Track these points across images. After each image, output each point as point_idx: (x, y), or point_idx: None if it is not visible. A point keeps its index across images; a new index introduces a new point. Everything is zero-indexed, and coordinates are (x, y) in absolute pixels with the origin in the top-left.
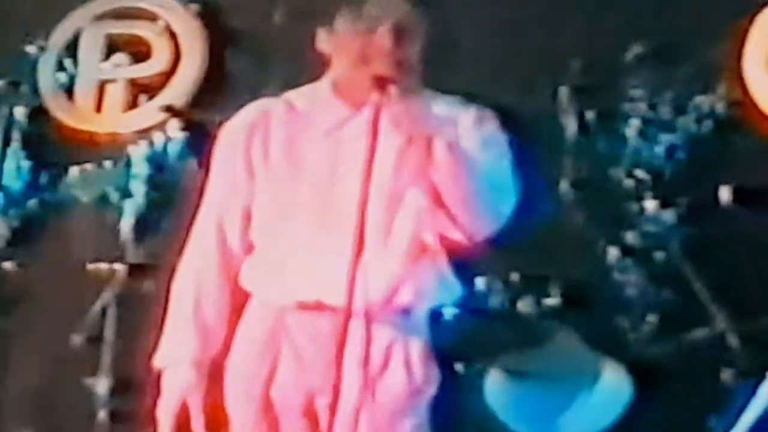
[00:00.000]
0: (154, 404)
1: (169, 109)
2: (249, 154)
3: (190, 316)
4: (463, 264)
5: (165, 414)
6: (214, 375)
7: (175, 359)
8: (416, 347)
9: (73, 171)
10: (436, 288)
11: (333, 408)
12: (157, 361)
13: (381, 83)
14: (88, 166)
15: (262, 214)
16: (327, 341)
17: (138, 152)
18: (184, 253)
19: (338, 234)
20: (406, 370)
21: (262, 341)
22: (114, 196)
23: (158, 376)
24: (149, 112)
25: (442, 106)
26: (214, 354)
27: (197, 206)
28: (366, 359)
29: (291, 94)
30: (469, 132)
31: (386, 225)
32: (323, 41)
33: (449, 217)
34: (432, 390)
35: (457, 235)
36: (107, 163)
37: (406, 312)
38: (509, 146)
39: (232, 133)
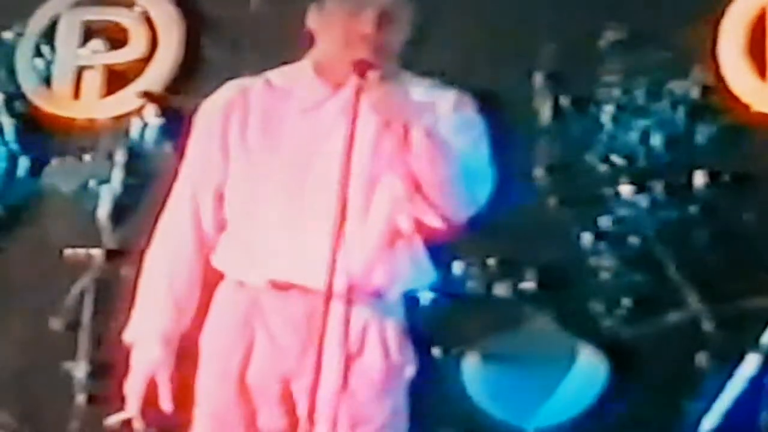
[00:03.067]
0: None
1: (146, 95)
2: (225, 133)
3: (161, 293)
4: (440, 248)
5: (132, 389)
6: (184, 352)
7: (144, 334)
8: (391, 328)
9: (54, 163)
10: (410, 272)
11: (313, 391)
12: (127, 336)
13: (361, 67)
14: (68, 159)
15: (236, 193)
16: (302, 324)
17: (114, 138)
18: (157, 229)
19: (314, 214)
20: (383, 350)
21: (236, 323)
22: (91, 182)
23: (129, 351)
24: (126, 98)
25: (421, 91)
26: (183, 330)
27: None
28: (345, 341)
29: (271, 73)
30: (447, 116)
31: (363, 208)
32: (312, 18)
33: (426, 202)
34: (409, 371)
35: (433, 220)
36: (86, 157)
37: (379, 294)
38: (486, 131)
39: (209, 113)
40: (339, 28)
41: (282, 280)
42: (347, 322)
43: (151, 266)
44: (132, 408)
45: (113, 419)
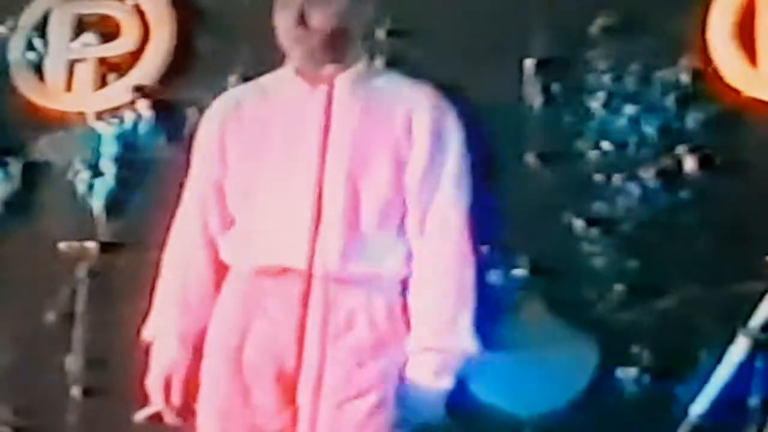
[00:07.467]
0: (141, 376)
1: (139, 90)
2: (222, 136)
3: (175, 293)
4: None
5: (154, 385)
6: (199, 349)
7: (162, 333)
8: (380, 305)
9: (44, 138)
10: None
11: (297, 371)
12: (146, 334)
13: (329, 56)
14: (59, 132)
15: (235, 188)
16: (295, 304)
17: (108, 131)
18: (171, 229)
19: (299, 203)
20: (371, 327)
21: (235, 307)
22: (84, 174)
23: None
24: (119, 90)
25: (394, 83)
26: (198, 329)
27: (168, 183)
28: (325, 321)
29: (262, 78)
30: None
31: (347, 193)
32: (279, 35)
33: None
34: (398, 347)
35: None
36: (77, 129)
37: (366, 277)
38: (463, 129)
39: (209, 122)
40: (295, 39)
41: (272, 264)
42: (328, 302)
43: (166, 266)
44: (158, 402)
45: (141, 414)
